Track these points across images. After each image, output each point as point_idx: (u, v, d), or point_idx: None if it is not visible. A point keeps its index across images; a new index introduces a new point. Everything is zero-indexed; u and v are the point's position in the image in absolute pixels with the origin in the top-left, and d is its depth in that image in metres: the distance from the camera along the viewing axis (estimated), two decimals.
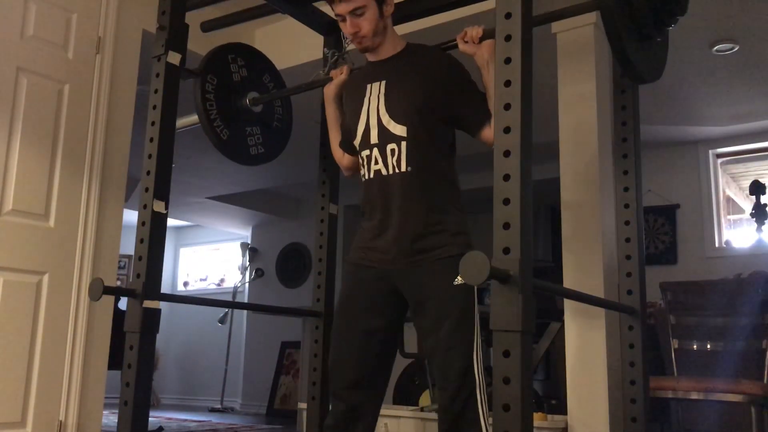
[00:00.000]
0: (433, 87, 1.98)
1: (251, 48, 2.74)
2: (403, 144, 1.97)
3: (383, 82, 2.04)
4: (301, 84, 2.56)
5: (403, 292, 1.99)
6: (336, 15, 2.04)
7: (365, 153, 2.05)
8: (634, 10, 1.69)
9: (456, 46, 2.03)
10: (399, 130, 1.98)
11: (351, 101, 2.15)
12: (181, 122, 2.44)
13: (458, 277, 1.81)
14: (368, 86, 2.07)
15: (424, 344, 1.96)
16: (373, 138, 2.02)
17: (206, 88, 2.45)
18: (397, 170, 1.98)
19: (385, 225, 1.99)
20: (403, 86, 2.01)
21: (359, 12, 1.98)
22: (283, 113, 2.76)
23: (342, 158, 2.30)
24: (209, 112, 2.45)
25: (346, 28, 2.03)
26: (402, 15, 2.61)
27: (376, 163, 2.01)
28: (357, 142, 2.08)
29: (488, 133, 1.93)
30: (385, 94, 2.02)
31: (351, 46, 2.56)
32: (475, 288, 1.86)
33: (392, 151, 1.98)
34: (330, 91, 2.28)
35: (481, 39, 1.94)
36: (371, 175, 2.03)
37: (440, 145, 2.03)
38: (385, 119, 2.00)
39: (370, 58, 2.12)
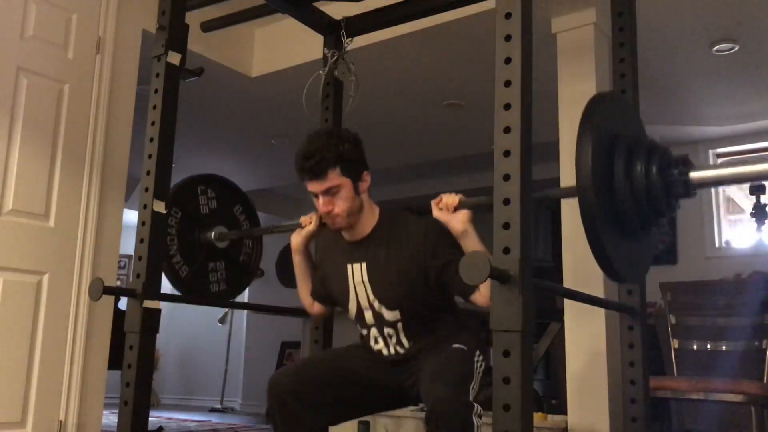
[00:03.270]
0: (415, 267, 1.90)
1: (223, 179, 2.68)
2: (399, 326, 1.96)
3: (363, 265, 1.97)
4: (272, 226, 2.52)
5: (404, 381, 1.98)
6: (309, 191, 1.95)
7: (363, 330, 2.04)
8: (617, 206, 1.52)
9: (431, 211, 1.89)
10: (392, 315, 1.95)
11: (332, 275, 2.08)
12: None
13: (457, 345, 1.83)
14: (349, 267, 2.00)
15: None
16: (369, 319, 2.00)
17: (169, 222, 2.36)
18: (399, 350, 1.98)
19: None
20: (384, 272, 1.94)
21: (333, 191, 1.90)
22: (252, 246, 2.68)
23: (312, 306, 2.24)
24: (168, 248, 2.38)
25: (319, 207, 1.95)
26: (402, 15, 2.62)
27: (377, 342, 2.01)
28: (350, 318, 2.05)
29: (477, 297, 1.83)
30: (369, 280, 1.96)
31: (351, 46, 2.58)
32: (475, 354, 1.89)
33: (389, 335, 1.98)
34: (298, 242, 2.19)
35: (457, 208, 1.82)
36: (374, 350, 2.02)
37: (439, 303, 1.98)
38: (377, 305, 1.96)
39: (346, 236, 2.02)
